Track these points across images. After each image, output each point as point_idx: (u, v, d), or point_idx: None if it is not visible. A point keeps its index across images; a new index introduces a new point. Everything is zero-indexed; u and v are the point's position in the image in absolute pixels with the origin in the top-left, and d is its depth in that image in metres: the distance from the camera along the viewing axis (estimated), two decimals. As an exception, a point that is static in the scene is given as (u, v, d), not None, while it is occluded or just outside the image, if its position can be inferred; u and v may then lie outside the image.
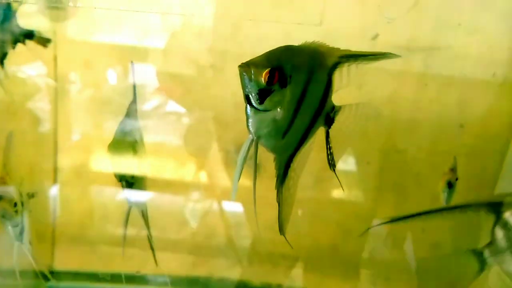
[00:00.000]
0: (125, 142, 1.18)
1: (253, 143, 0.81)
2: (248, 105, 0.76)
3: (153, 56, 1.36)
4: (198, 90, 1.38)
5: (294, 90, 0.75)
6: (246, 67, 0.72)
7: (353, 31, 1.19)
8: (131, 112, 1.22)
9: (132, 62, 1.24)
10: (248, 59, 1.40)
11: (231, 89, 1.37)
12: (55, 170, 1.46)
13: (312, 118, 0.82)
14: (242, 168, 0.83)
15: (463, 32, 1.22)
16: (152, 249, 1.28)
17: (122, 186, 1.16)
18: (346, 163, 1.38)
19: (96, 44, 1.35)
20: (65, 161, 1.46)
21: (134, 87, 1.25)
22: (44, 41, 1.22)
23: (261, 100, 0.74)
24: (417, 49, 1.23)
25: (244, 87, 0.73)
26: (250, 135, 0.80)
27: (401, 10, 1.16)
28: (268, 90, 0.73)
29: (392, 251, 1.45)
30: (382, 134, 1.33)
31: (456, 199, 1.26)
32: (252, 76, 0.72)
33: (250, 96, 0.74)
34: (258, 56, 0.74)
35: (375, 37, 1.20)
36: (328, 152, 0.88)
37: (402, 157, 1.35)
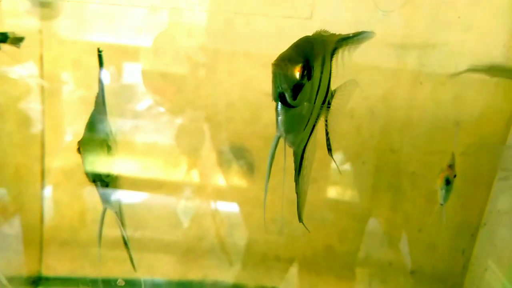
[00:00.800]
0: (95, 139, 1.12)
1: (279, 140, 0.81)
2: (280, 103, 0.76)
3: (143, 55, 1.34)
4: (190, 90, 1.37)
5: (314, 81, 0.77)
6: (281, 64, 0.72)
7: (345, 26, 1.18)
8: (98, 106, 1.16)
9: (99, 49, 1.15)
10: (241, 57, 1.39)
11: (223, 88, 1.35)
12: (43, 172, 1.43)
13: (321, 107, 0.85)
14: (271, 169, 0.83)
15: (457, 29, 1.21)
16: (129, 253, 1.24)
17: (96, 187, 1.10)
18: (341, 163, 1.37)
19: (85, 43, 1.32)
20: (53, 163, 1.43)
21: (100, 79, 1.19)
22: (17, 41, 1.18)
23: (294, 96, 0.74)
24: (411, 47, 1.23)
25: (278, 85, 0.73)
26: (278, 133, 0.80)
27: (396, 3, 1.15)
28: (301, 85, 0.74)
29: (388, 251, 1.45)
30: (377, 134, 1.33)
31: (452, 199, 1.26)
32: (288, 72, 0.72)
33: (286, 93, 0.73)
34: (286, 51, 0.75)
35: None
36: (327, 137, 0.91)
37: (397, 156, 1.34)
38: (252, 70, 1.30)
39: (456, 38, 1.21)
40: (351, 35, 0.88)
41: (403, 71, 1.26)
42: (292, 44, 0.77)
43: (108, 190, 1.12)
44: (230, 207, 1.48)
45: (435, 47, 1.22)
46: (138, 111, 1.39)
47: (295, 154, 0.86)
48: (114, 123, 1.37)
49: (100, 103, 1.15)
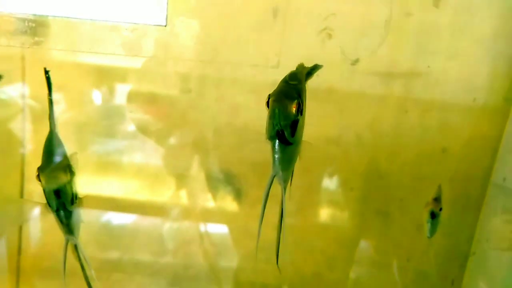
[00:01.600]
0: (56, 164, 1.00)
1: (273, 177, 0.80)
2: (278, 141, 0.75)
3: (130, 79, 1.34)
4: (177, 115, 1.37)
5: (303, 115, 0.78)
6: (282, 101, 0.72)
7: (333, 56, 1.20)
8: (52, 129, 1.06)
9: (46, 69, 1.09)
10: (228, 84, 1.40)
11: (211, 113, 1.35)
12: (22, 197, 1.41)
13: None
14: (265, 209, 0.84)
15: (442, 57, 1.24)
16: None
17: (59, 217, 0.96)
18: (329, 190, 1.37)
19: (71, 66, 1.32)
20: (33, 187, 1.40)
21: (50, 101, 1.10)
22: None
23: (292, 133, 0.74)
24: (397, 74, 1.25)
25: (277, 123, 0.72)
26: (274, 172, 0.79)
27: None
28: (297, 121, 0.74)
29: (377, 280, 1.44)
30: (364, 160, 1.33)
31: (440, 227, 1.26)
32: (288, 109, 0.72)
33: (285, 131, 0.73)
34: (281, 87, 0.76)
35: (355, 62, 1.21)
36: None
37: (385, 182, 1.34)
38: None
39: (440, 66, 1.24)
40: (310, 69, 0.92)
41: (390, 98, 1.28)
42: (283, 79, 0.78)
43: (70, 221, 0.99)
44: (217, 234, 1.46)
45: (420, 75, 1.25)
46: (123, 132, 1.38)
47: (283, 192, 0.85)
48: (104, 144, 1.37)
49: (52, 126, 1.07)
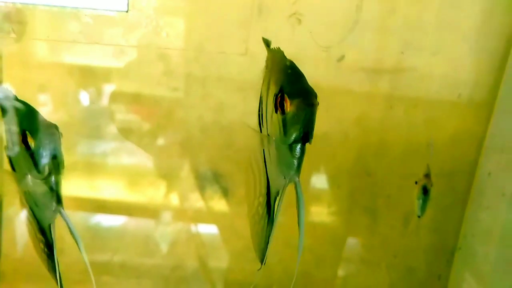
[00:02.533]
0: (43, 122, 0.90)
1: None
2: (303, 144, 0.72)
3: (114, 79, 1.33)
4: (162, 114, 1.36)
5: None
6: (312, 103, 0.67)
7: (318, 53, 1.21)
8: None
9: None
10: (213, 82, 1.39)
11: (197, 112, 1.35)
12: (1, 201, 1.39)
13: None
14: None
15: (427, 53, 1.25)
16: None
17: (50, 185, 0.87)
18: (316, 187, 1.38)
19: (53, 67, 1.30)
20: (14, 193, 1.38)
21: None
22: None
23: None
24: (383, 71, 1.26)
25: (304, 126, 0.68)
26: (296, 178, 0.76)
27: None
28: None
29: (366, 276, 1.45)
30: (351, 157, 1.34)
31: (426, 220, 1.28)
32: (315, 110, 0.69)
33: (310, 133, 0.70)
34: (304, 84, 0.71)
35: (341, 58, 1.22)
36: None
37: (373, 179, 1.35)
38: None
39: (426, 62, 1.25)
40: None
41: (376, 94, 1.29)
42: (300, 72, 0.73)
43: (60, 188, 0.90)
44: (204, 234, 1.46)
45: (405, 71, 1.26)
46: (109, 133, 1.37)
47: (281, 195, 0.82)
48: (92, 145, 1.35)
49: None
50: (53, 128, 0.83)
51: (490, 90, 1.27)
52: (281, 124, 0.69)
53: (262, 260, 0.88)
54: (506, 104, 1.21)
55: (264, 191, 0.84)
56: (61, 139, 0.85)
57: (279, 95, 0.69)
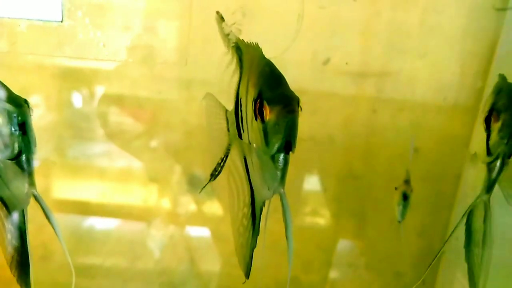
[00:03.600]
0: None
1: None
2: (286, 153, 0.66)
3: (98, 82, 1.32)
4: (148, 117, 1.36)
5: None
6: (295, 110, 0.62)
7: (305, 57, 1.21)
8: None
9: None
10: (199, 85, 1.38)
11: (181, 116, 1.35)
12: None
13: None
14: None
15: (413, 57, 1.26)
16: None
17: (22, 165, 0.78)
18: (303, 191, 1.38)
19: (35, 68, 1.29)
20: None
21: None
22: None
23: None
24: (369, 74, 1.26)
25: (289, 134, 0.63)
26: (281, 190, 0.70)
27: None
28: None
29: (353, 281, 1.45)
30: (338, 161, 1.35)
31: (413, 223, 1.28)
32: (298, 117, 0.64)
33: (293, 141, 0.65)
34: (285, 88, 0.65)
35: (327, 62, 1.23)
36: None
37: (359, 183, 1.36)
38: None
39: (411, 65, 1.26)
40: None
41: (362, 98, 1.29)
42: (279, 74, 0.68)
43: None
44: (190, 239, 1.45)
45: (391, 74, 1.27)
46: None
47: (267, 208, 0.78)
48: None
49: None
50: (21, 101, 0.76)
51: (475, 93, 1.28)
52: (261, 133, 0.65)
53: (247, 274, 0.82)
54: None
55: (248, 201, 0.78)
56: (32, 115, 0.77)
57: (258, 101, 0.64)
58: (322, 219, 1.42)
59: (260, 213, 0.76)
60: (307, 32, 1.19)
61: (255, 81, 0.67)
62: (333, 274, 1.46)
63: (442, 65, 1.27)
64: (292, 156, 0.79)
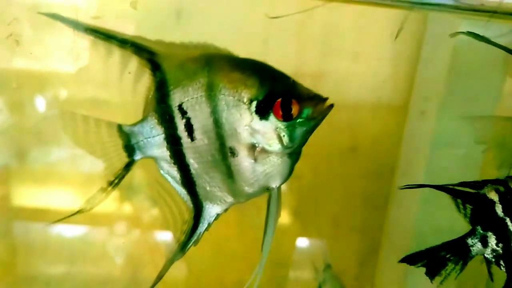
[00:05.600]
0: None
1: None
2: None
3: (62, 83, 1.30)
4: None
5: None
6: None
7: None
8: None
9: None
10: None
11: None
12: None
13: None
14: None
15: (348, 58, 1.32)
16: None
17: None
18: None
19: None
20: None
21: None
22: None
23: None
24: (304, 75, 1.30)
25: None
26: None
27: None
28: None
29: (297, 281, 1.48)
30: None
31: (354, 222, 1.33)
32: None
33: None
34: (296, 84, 0.72)
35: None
36: None
37: (299, 183, 1.39)
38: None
39: (346, 66, 1.31)
40: None
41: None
42: (269, 66, 0.73)
43: None
44: (158, 243, 1.45)
45: (326, 75, 1.31)
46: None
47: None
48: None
49: None
50: None
51: (407, 93, 1.35)
52: (278, 130, 0.69)
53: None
54: (417, 106, 1.29)
55: (187, 217, 0.79)
56: None
57: (279, 99, 0.67)
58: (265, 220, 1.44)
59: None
60: (241, 33, 1.22)
61: (245, 81, 0.68)
62: (279, 274, 1.48)
63: (375, 66, 1.33)
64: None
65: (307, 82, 1.32)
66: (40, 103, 1.28)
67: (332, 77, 1.31)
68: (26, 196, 1.37)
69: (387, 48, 1.31)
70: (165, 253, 0.83)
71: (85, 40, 0.70)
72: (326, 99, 0.71)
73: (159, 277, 0.78)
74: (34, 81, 1.24)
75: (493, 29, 1.10)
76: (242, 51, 1.25)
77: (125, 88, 0.72)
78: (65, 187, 1.37)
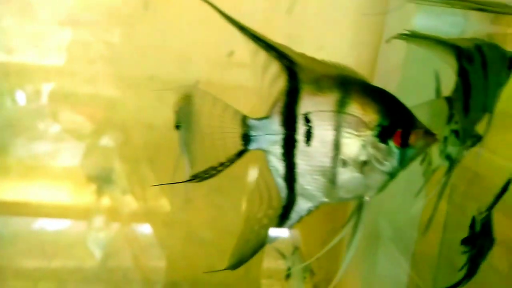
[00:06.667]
0: None
1: None
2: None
3: (53, 78, 1.32)
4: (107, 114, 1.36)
5: None
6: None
7: (208, 49, 1.26)
8: None
9: None
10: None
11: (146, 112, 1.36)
12: None
13: None
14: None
15: (311, 48, 1.36)
16: None
17: None
18: (215, 181, 1.44)
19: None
20: None
21: None
22: None
23: None
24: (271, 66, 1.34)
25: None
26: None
27: None
28: None
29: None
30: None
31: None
32: None
33: None
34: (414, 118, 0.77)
35: (231, 54, 1.29)
36: None
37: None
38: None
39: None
40: None
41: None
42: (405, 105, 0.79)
43: None
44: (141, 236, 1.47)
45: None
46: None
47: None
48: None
49: None
50: None
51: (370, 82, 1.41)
52: (393, 155, 0.76)
53: (233, 266, 0.88)
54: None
55: (276, 205, 0.83)
56: None
57: (400, 130, 0.76)
58: (235, 207, 1.49)
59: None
60: (210, 25, 1.25)
61: (374, 106, 0.77)
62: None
63: (339, 56, 1.36)
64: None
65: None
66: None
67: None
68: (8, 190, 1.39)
69: (350, 38, 1.37)
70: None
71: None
72: (434, 134, 0.79)
73: (242, 262, 0.87)
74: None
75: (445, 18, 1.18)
76: (208, 42, 1.28)
77: (262, 86, 0.82)
78: (45, 181, 1.40)
